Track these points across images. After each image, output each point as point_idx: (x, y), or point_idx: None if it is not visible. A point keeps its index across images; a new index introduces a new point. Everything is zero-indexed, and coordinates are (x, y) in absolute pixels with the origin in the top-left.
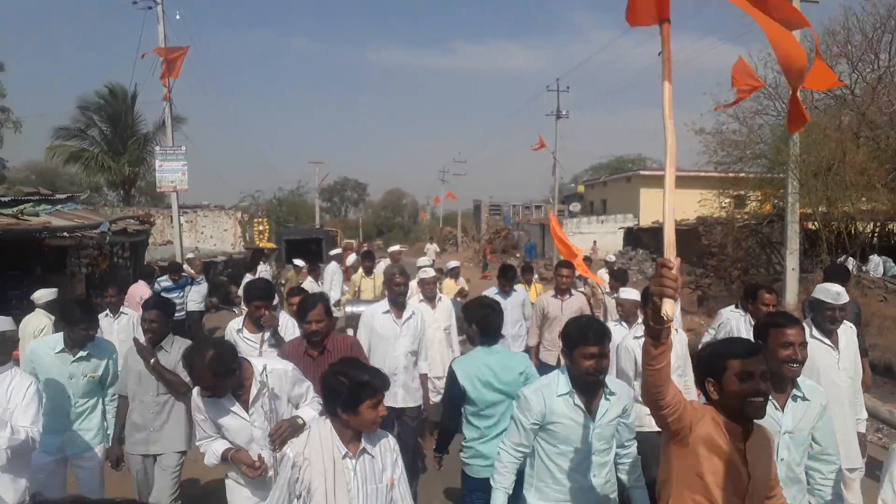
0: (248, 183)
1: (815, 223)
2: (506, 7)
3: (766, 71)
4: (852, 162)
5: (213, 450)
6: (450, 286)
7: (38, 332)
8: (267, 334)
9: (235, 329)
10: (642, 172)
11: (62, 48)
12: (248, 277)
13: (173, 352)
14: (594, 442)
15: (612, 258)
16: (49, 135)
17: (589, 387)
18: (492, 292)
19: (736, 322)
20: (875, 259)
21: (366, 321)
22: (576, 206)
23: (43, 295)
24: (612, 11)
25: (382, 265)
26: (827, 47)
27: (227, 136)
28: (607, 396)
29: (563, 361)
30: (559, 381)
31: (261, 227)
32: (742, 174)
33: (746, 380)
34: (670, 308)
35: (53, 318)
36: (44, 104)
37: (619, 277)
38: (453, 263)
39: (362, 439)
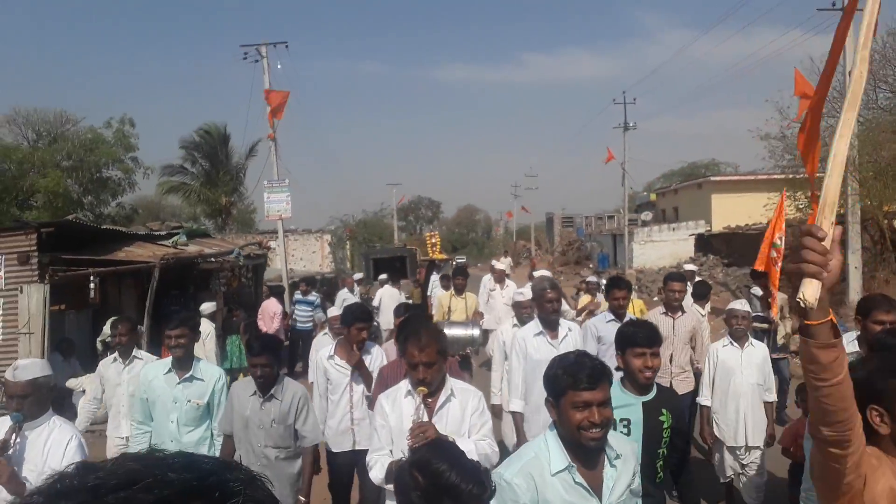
0: (332, 206)
1: (880, 221)
2: (572, 14)
3: None
4: None
5: (382, 464)
6: (585, 303)
7: (206, 336)
8: (367, 358)
9: (326, 356)
10: (713, 178)
11: (174, 98)
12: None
13: (286, 398)
14: None
15: (693, 267)
16: (157, 172)
17: (589, 452)
18: (602, 320)
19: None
20: None
21: (518, 347)
22: (647, 215)
23: (208, 307)
24: (681, 11)
25: (489, 284)
26: (892, 48)
27: (311, 162)
28: (612, 462)
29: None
30: (551, 453)
31: (434, 240)
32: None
33: None
34: (810, 292)
35: (214, 324)
36: (151, 144)
37: (699, 292)
38: (541, 272)
39: None
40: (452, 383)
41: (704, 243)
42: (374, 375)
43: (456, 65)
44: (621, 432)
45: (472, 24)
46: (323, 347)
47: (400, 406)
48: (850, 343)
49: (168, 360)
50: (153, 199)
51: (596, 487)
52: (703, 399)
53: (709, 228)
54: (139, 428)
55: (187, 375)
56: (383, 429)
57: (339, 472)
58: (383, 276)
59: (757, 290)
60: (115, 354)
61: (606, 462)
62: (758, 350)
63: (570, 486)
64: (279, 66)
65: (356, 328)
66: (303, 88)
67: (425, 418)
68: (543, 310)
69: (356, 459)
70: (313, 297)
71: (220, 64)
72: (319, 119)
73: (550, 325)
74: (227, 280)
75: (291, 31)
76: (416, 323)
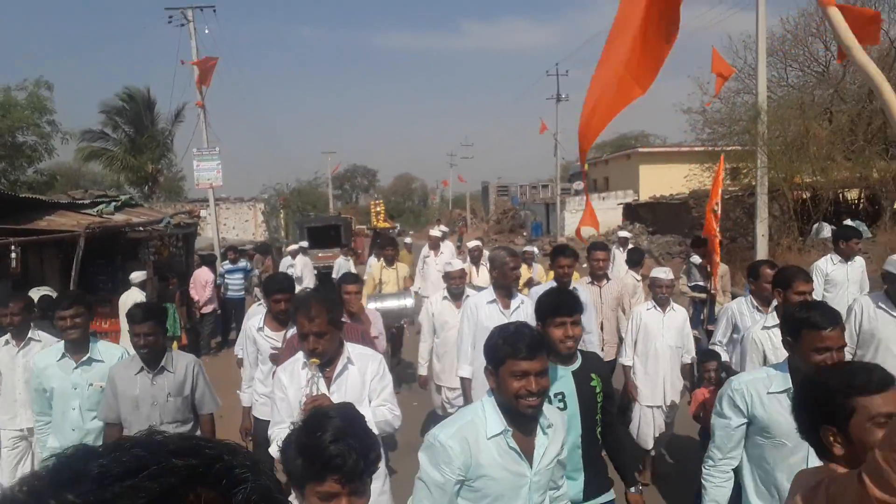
0: (264, 175)
1: (785, 192)
2: None
3: (746, 53)
4: (816, 137)
5: (280, 438)
6: (523, 272)
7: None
8: (290, 332)
9: (255, 328)
10: (641, 150)
11: (96, 62)
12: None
13: (178, 369)
14: (531, 496)
15: (627, 234)
16: (76, 137)
17: (524, 420)
18: (545, 288)
19: (738, 306)
20: (851, 223)
21: (470, 313)
22: (579, 185)
23: (137, 275)
24: None
25: (424, 251)
26: (803, 29)
27: (242, 130)
28: (545, 430)
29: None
30: (487, 418)
31: (378, 209)
32: (728, 148)
33: (885, 426)
34: None
35: (145, 293)
36: (72, 110)
37: (633, 259)
38: (474, 243)
39: None
40: (350, 349)
41: (632, 212)
42: None
43: (394, 31)
44: (557, 407)
45: None
46: (254, 316)
47: (298, 378)
48: (771, 315)
49: (60, 345)
50: (72, 165)
51: (528, 453)
52: (626, 360)
53: (636, 198)
54: (40, 419)
55: (84, 358)
56: (282, 402)
57: (263, 438)
58: (293, 247)
59: (696, 258)
60: (7, 336)
61: (539, 430)
62: (678, 314)
63: (503, 450)
64: (206, 31)
65: (274, 300)
66: (233, 53)
67: (321, 390)
68: (506, 278)
69: None
70: (243, 263)
71: (143, 26)
72: (251, 85)
73: (506, 294)
74: (156, 249)
75: None
76: (306, 294)
